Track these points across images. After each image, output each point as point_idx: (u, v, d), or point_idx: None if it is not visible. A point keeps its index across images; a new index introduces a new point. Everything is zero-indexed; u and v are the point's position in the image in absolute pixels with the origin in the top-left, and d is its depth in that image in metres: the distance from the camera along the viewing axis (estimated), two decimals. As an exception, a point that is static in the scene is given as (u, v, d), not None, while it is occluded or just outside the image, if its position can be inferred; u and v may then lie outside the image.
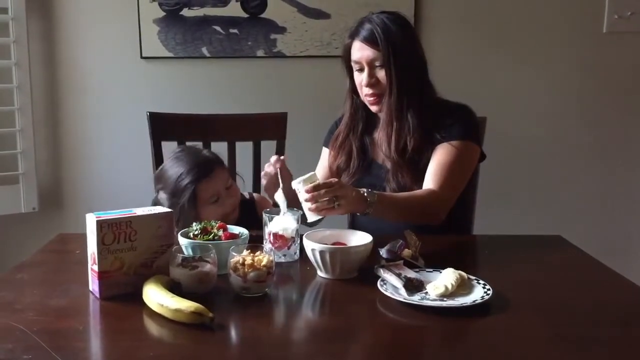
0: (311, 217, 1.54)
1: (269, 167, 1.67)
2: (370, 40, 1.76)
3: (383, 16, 1.79)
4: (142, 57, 2.73)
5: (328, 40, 2.72)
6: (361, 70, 1.80)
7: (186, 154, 1.74)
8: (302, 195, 1.51)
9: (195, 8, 2.70)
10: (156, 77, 2.77)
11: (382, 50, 1.75)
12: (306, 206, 1.52)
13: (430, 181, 1.75)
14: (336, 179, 1.57)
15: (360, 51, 1.78)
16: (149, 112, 2.21)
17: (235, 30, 2.72)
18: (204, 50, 2.73)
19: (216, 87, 2.79)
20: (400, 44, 1.76)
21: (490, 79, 2.79)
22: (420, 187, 1.76)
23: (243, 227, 1.53)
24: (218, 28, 2.72)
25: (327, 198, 1.50)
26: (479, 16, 2.77)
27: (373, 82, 1.78)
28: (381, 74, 1.77)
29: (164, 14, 2.70)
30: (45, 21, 2.72)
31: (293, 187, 1.55)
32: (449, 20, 2.76)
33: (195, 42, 2.72)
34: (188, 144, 1.94)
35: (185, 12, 2.70)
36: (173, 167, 1.71)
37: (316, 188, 1.49)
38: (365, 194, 1.58)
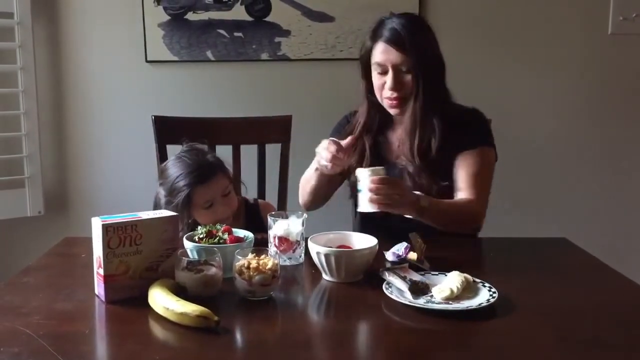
0: (366, 208, 1.57)
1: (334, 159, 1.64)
2: (396, 43, 1.73)
3: (405, 18, 1.77)
4: (147, 61, 2.74)
5: (332, 43, 2.72)
6: (384, 73, 1.77)
7: (190, 155, 1.74)
8: (365, 184, 1.56)
9: (199, 12, 2.71)
10: (161, 80, 2.77)
11: (409, 54, 1.72)
12: (366, 196, 1.56)
13: (465, 192, 1.77)
14: (399, 179, 1.62)
15: (385, 54, 1.75)
16: (154, 116, 2.22)
17: (239, 34, 2.73)
18: (209, 54, 2.74)
19: (221, 91, 2.79)
20: (426, 48, 1.75)
21: (495, 80, 2.78)
22: (440, 187, 1.76)
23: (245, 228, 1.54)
24: (223, 32, 2.72)
25: (389, 193, 1.54)
26: (483, 19, 2.77)
27: (398, 87, 1.76)
28: (407, 77, 1.75)
29: (168, 17, 2.71)
30: (50, 26, 2.73)
31: (356, 174, 1.59)
32: (453, 23, 2.76)
33: (200, 46, 2.73)
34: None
35: (190, 16, 2.71)
36: (174, 166, 1.72)
37: (382, 181, 1.54)
38: (420, 199, 1.62)
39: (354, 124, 1.92)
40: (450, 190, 1.80)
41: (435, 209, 1.67)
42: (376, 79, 1.80)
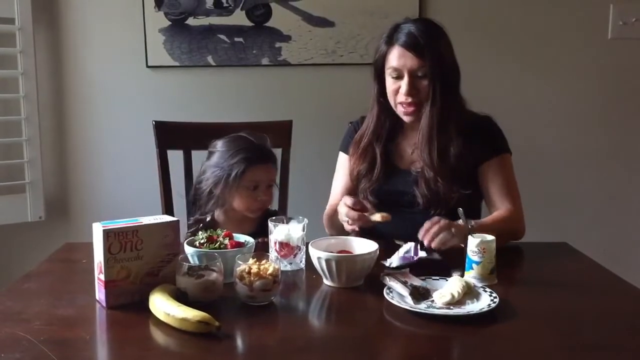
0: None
1: (355, 221, 1.62)
2: (413, 47, 1.72)
3: (422, 23, 1.77)
4: (147, 66, 2.74)
5: (333, 48, 2.73)
6: (399, 77, 1.76)
7: (253, 136, 1.83)
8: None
9: (200, 17, 2.72)
10: (162, 86, 2.78)
11: (425, 59, 1.71)
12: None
13: (502, 201, 1.78)
14: (438, 218, 1.55)
15: (402, 58, 1.74)
16: (155, 121, 2.22)
17: (240, 39, 2.73)
18: (210, 59, 2.74)
19: (221, 96, 2.79)
20: (442, 53, 1.75)
21: (495, 86, 2.78)
22: (460, 195, 1.74)
23: (259, 235, 1.59)
24: (223, 37, 2.73)
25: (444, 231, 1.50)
26: (483, 24, 2.77)
27: (414, 92, 1.75)
28: (423, 83, 1.74)
29: (169, 23, 2.71)
30: (51, 31, 2.73)
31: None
32: (453, 28, 2.72)
33: (201, 51, 2.73)
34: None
35: (191, 21, 2.71)
36: (236, 140, 1.81)
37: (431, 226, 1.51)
38: (469, 225, 1.56)
39: (363, 130, 1.90)
40: (470, 198, 1.77)
41: (485, 230, 1.59)
42: (390, 83, 1.78)
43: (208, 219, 1.82)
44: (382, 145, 1.87)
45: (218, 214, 1.84)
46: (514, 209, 1.77)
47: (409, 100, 1.76)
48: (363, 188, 1.87)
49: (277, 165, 1.87)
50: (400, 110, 1.80)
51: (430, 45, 1.72)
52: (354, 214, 1.60)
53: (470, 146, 1.78)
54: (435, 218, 1.55)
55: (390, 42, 1.77)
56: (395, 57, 1.75)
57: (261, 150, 1.81)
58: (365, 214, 1.61)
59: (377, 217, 1.58)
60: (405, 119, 1.81)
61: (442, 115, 1.75)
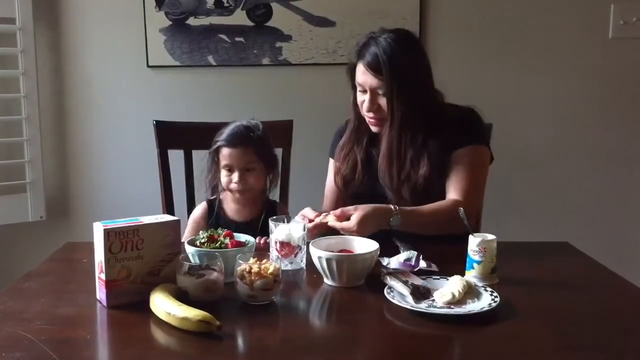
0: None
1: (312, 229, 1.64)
2: (373, 68, 1.73)
3: (390, 38, 1.75)
4: (148, 66, 2.74)
5: (333, 48, 2.73)
6: (364, 91, 1.79)
7: (242, 123, 1.86)
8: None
9: (201, 17, 2.72)
10: (162, 85, 2.78)
11: (385, 80, 1.72)
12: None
13: (452, 191, 1.77)
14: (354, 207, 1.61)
15: (363, 76, 1.76)
16: (156, 121, 2.22)
17: (241, 39, 2.73)
18: (210, 59, 2.75)
19: (222, 96, 2.80)
20: (405, 71, 1.74)
21: (496, 85, 2.78)
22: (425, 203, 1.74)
23: (264, 228, 1.62)
24: (224, 37, 2.73)
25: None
26: (484, 23, 2.77)
27: (375, 108, 1.78)
28: (383, 101, 1.76)
29: (170, 23, 2.71)
30: (52, 31, 2.73)
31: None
32: (455, 28, 2.76)
33: (202, 51, 2.74)
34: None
35: (191, 21, 2.72)
36: (231, 124, 1.87)
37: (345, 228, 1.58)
38: (391, 220, 1.62)
39: (346, 135, 1.92)
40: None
41: (412, 223, 1.65)
42: (358, 95, 1.82)
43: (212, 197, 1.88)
44: (362, 150, 1.89)
45: (221, 193, 1.88)
46: (461, 200, 1.72)
47: (372, 114, 1.79)
48: (349, 194, 1.88)
49: (258, 148, 1.81)
50: (368, 122, 1.83)
51: (391, 64, 1.72)
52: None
53: (440, 153, 1.78)
54: (350, 222, 1.58)
55: (358, 57, 1.79)
56: (360, 73, 1.78)
57: (235, 133, 1.81)
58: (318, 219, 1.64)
59: (321, 217, 1.63)
60: (373, 129, 1.84)
61: (399, 137, 1.77)
